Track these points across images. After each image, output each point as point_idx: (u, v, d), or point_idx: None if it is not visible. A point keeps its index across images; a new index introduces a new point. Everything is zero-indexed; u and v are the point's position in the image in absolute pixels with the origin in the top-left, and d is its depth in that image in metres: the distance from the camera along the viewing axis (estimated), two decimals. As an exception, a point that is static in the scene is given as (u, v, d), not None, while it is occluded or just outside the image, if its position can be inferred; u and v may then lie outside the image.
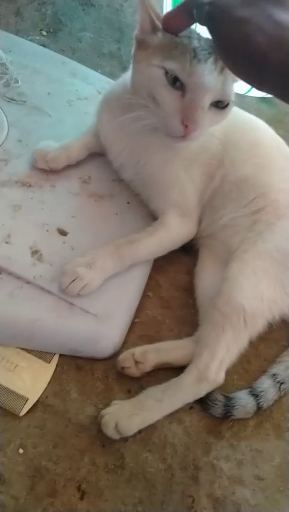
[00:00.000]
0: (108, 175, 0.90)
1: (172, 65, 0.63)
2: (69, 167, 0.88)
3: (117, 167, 0.87)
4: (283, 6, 0.35)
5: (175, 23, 0.60)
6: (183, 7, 0.52)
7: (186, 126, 0.65)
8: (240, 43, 0.37)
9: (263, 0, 0.36)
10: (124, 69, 1.28)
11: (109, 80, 1.11)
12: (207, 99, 0.65)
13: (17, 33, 1.24)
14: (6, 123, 0.89)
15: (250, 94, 1.22)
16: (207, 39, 0.66)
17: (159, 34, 0.66)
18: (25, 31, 1.27)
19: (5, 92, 0.94)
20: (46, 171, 0.86)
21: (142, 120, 0.69)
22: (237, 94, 0.71)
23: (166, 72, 0.64)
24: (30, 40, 1.19)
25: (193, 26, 0.70)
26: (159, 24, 0.66)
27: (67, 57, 1.15)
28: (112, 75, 1.24)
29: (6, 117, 0.90)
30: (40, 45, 1.20)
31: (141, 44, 0.69)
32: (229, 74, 0.65)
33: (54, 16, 1.34)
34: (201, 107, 0.64)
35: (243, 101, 1.19)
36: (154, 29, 0.66)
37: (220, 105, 0.67)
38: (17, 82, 0.96)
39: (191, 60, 0.62)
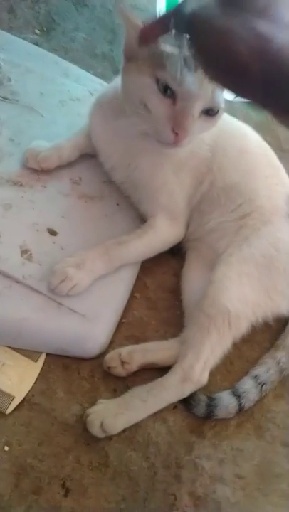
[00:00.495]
0: (99, 176, 0.91)
1: (163, 74, 0.65)
2: (60, 167, 0.89)
3: (107, 169, 0.88)
4: (265, 18, 0.36)
5: (151, 36, 0.59)
6: (160, 21, 0.53)
7: (177, 134, 0.66)
8: (222, 52, 0.38)
9: (245, 11, 0.37)
10: (116, 71, 1.29)
11: (101, 81, 1.12)
12: (197, 107, 0.66)
13: (10, 30, 1.24)
14: (-2, 121, 0.90)
15: (238, 99, 1.24)
16: None
17: (151, 48, 0.67)
18: (18, 29, 1.27)
19: (-3, 91, 0.94)
20: (37, 170, 0.86)
21: (134, 126, 0.71)
22: (225, 100, 0.73)
23: (158, 81, 0.66)
24: (23, 39, 1.19)
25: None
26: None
27: (60, 57, 1.16)
28: (104, 76, 1.25)
29: (-1, 116, 0.91)
30: (33, 43, 1.20)
31: (129, 57, 0.70)
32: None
33: (47, 14, 1.34)
34: (192, 115, 0.66)
35: (231, 107, 1.20)
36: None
37: (210, 112, 0.69)
38: (10, 80, 0.96)
39: (181, 69, 0.64)
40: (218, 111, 0.70)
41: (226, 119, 0.82)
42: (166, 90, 0.66)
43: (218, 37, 0.38)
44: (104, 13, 1.42)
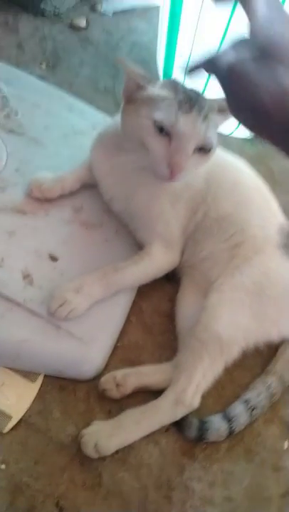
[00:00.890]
0: (99, 205, 0.95)
1: (159, 116, 0.71)
2: (62, 196, 0.93)
3: (107, 199, 0.93)
4: None
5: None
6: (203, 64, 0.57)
7: (172, 170, 0.72)
8: (250, 102, 0.43)
9: (277, 62, 0.41)
10: (118, 105, 1.35)
11: (103, 115, 1.18)
12: (191, 146, 0.72)
13: (18, 65, 1.31)
14: (6, 153, 0.95)
15: (233, 135, 1.30)
16: (192, 90, 0.74)
17: (148, 90, 0.73)
18: (25, 64, 1.34)
19: (5, 124, 1.00)
20: (41, 199, 0.91)
21: (133, 161, 0.76)
22: (221, 135, 0.78)
23: (154, 122, 0.71)
24: (30, 73, 1.25)
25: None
26: (143, 84, 0.73)
27: (65, 91, 1.22)
28: (107, 110, 1.31)
29: (6, 147, 0.96)
30: (40, 78, 1.27)
31: (129, 99, 0.76)
32: (211, 122, 0.73)
33: (54, 50, 1.42)
34: (186, 153, 0.72)
35: (227, 141, 1.27)
36: (140, 88, 0.74)
37: (203, 150, 0.74)
38: (17, 114, 1.02)
39: (176, 112, 0.70)
40: (210, 148, 0.75)
41: (219, 153, 0.87)
42: (162, 130, 0.71)
43: (248, 88, 0.43)
44: (107, 50, 1.49)
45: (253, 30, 0.43)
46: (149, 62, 1.47)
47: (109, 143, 0.87)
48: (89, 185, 0.97)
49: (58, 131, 1.05)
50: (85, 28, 1.52)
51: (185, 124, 0.70)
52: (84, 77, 1.39)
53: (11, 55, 1.35)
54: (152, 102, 0.72)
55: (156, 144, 0.72)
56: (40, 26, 1.46)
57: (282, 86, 0.41)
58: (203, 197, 0.89)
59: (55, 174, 0.93)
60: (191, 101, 0.71)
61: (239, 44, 0.44)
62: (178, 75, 1.28)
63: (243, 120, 0.46)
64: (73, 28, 1.50)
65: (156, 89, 0.72)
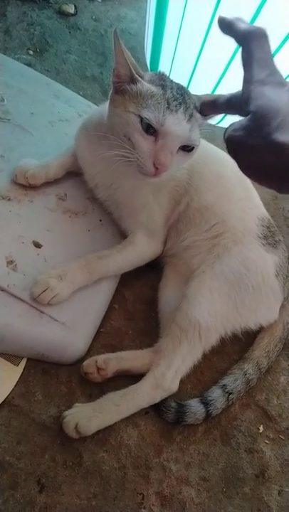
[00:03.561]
0: (83, 193, 0.96)
1: (147, 115, 0.71)
2: (47, 184, 0.94)
3: (91, 187, 0.94)
4: (282, 130, 0.45)
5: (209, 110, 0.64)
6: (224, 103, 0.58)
7: (157, 168, 0.73)
8: (254, 163, 0.48)
9: (267, 123, 0.45)
10: (105, 92, 1.37)
11: (89, 103, 1.19)
12: (176, 145, 0.73)
13: (5, 50, 1.31)
14: (-10, 139, 0.95)
15: (220, 125, 1.31)
16: (179, 86, 0.75)
17: (138, 84, 0.73)
18: (12, 49, 1.34)
19: (-9, 110, 1.00)
20: (25, 186, 0.92)
21: (117, 153, 0.77)
22: (208, 124, 0.80)
23: (141, 120, 0.72)
24: (17, 59, 1.26)
25: (166, 71, 0.79)
26: (137, 76, 0.73)
27: (52, 78, 1.22)
28: (93, 97, 1.32)
29: (-10, 134, 0.96)
30: (26, 64, 1.27)
31: (118, 89, 0.76)
32: (195, 122, 0.74)
33: (41, 36, 1.41)
34: (171, 152, 0.73)
35: (212, 131, 1.28)
36: (132, 80, 0.73)
37: (187, 149, 0.76)
38: (3, 100, 1.02)
39: (164, 111, 0.71)
40: (194, 147, 0.77)
41: (203, 144, 0.88)
42: (149, 128, 0.72)
43: (248, 153, 0.48)
44: (95, 37, 1.49)
45: (245, 91, 0.48)
46: (136, 50, 1.47)
47: (94, 131, 0.87)
48: (73, 173, 0.98)
49: (43, 118, 1.06)
50: (74, 15, 1.51)
51: (172, 123, 0.71)
52: (71, 64, 1.39)
53: (-2, 40, 1.34)
54: (141, 97, 0.72)
55: (142, 142, 0.73)
56: (28, 11, 1.45)
57: (275, 141, 0.44)
58: (186, 188, 0.91)
59: (40, 161, 0.94)
60: (178, 99, 0.72)
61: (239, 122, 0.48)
62: (164, 63, 1.29)
63: (254, 178, 0.51)
64: (62, 14, 1.50)
65: (145, 84, 0.73)
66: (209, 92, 1.24)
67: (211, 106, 0.58)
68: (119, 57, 0.72)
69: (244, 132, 0.47)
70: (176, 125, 0.71)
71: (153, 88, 0.72)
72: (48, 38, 1.42)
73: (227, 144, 0.50)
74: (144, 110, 0.71)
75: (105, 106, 0.83)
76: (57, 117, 1.07)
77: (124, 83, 0.74)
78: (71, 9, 1.51)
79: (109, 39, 1.50)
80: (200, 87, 1.22)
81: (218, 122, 1.32)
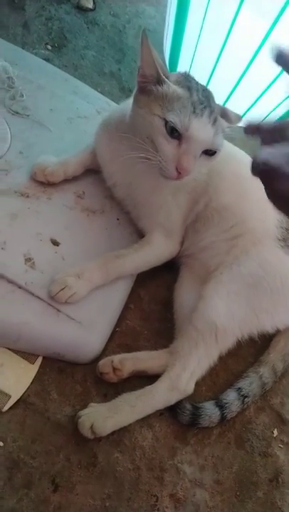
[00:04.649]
0: (101, 192, 0.96)
1: (172, 118, 0.70)
2: (65, 181, 0.94)
3: (110, 185, 0.93)
4: None
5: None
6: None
7: (180, 173, 0.73)
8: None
9: None
10: (123, 89, 1.36)
11: (108, 100, 1.18)
12: (200, 150, 0.73)
13: (23, 45, 1.30)
14: (10, 135, 0.95)
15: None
16: (204, 89, 0.74)
17: (164, 86, 0.72)
18: (31, 44, 1.33)
19: (10, 105, 0.99)
20: (44, 183, 0.91)
21: (138, 154, 0.76)
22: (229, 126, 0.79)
23: (166, 123, 0.71)
24: (35, 54, 1.24)
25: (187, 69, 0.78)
26: (164, 78, 0.72)
27: (70, 74, 1.21)
28: (111, 95, 1.31)
29: (10, 129, 0.95)
30: (44, 59, 1.26)
31: (143, 89, 0.75)
32: (219, 126, 0.73)
33: (60, 31, 1.40)
34: (194, 157, 0.72)
35: (230, 130, 1.27)
36: (159, 81, 0.72)
37: (209, 153, 0.75)
38: (22, 96, 1.02)
39: (190, 115, 0.70)
40: (216, 152, 0.76)
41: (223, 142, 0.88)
42: (173, 132, 0.71)
43: (286, 181, 0.43)
44: (114, 33, 1.48)
45: None
46: (154, 47, 1.45)
47: (114, 130, 0.86)
48: (92, 171, 0.97)
49: (62, 114, 1.05)
50: (92, 10, 1.50)
51: (197, 128, 0.70)
52: (89, 60, 1.38)
53: (17, 34, 1.34)
54: (166, 100, 0.71)
55: (166, 146, 0.72)
56: (47, 6, 1.44)
57: None
58: (205, 188, 0.90)
59: (58, 158, 0.93)
60: (204, 103, 0.72)
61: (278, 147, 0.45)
62: (183, 62, 1.28)
63: (285, 210, 0.48)
64: (80, 9, 1.49)
65: (171, 86, 0.72)
66: (227, 93, 1.23)
67: (254, 130, 0.55)
68: (146, 57, 0.71)
69: (285, 160, 0.44)
70: (201, 129, 0.71)
71: (179, 90, 0.71)
72: (66, 33, 1.41)
73: (258, 167, 0.47)
74: (170, 113, 0.70)
75: (127, 104, 0.83)
76: (75, 114, 1.07)
77: (150, 83, 0.73)
78: (90, 4, 1.50)
79: (127, 35, 1.49)
80: (218, 89, 1.20)
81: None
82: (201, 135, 0.72)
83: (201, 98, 0.72)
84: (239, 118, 0.81)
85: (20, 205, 0.87)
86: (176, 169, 0.73)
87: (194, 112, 0.71)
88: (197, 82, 0.76)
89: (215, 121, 0.73)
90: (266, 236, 0.90)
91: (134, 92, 0.77)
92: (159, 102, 0.72)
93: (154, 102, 0.73)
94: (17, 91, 1.02)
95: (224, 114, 0.78)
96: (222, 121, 0.76)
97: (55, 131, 1.01)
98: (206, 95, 0.74)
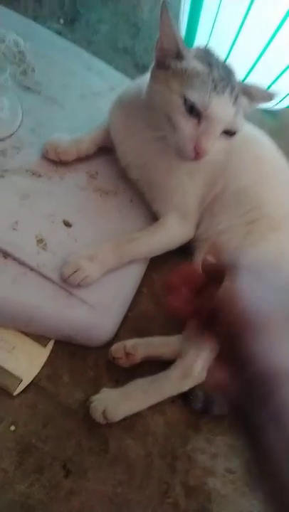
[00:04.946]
0: (115, 172, 0.93)
1: (192, 96, 0.67)
2: (78, 160, 0.91)
3: (124, 165, 0.90)
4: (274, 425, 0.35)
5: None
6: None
7: (198, 153, 0.69)
8: None
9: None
10: (137, 66, 1.31)
11: (122, 76, 1.13)
12: (219, 129, 0.70)
13: (35, 18, 1.25)
14: (21, 111, 0.91)
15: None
16: (225, 65, 0.70)
17: (183, 61, 0.68)
18: (42, 18, 1.28)
19: (22, 80, 0.96)
20: (56, 162, 0.88)
21: (154, 133, 0.73)
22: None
23: (185, 100, 0.67)
24: (47, 28, 1.19)
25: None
26: (184, 52, 0.68)
27: (83, 49, 1.17)
28: (125, 71, 1.26)
29: (21, 105, 0.92)
30: (57, 33, 1.21)
31: (161, 63, 0.71)
32: (240, 105, 0.70)
33: (72, 5, 1.35)
34: (213, 136, 0.69)
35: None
36: (179, 56, 0.69)
37: (229, 133, 0.72)
38: (33, 71, 0.98)
39: (210, 92, 0.66)
40: (236, 132, 0.73)
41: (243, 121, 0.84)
42: (192, 110, 0.68)
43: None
44: (128, 8, 1.42)
45: None
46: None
47: (130, 107, 0.83)
48: (105, 150, 0.94)
49: (75, 90, 1.01)
50: (106, -18, 1.44)
51: (217, 106, 0.67)
52: (103, 35, 1.33)
53: (28, 7, 1.29)
54: (186, 76, 0.68)
55: (185, 124, 0.69)
56: (59, -22, 1.39)
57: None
58: (223, 170, 0.86)
59: (71, 136, 0.90)
60: (225, 79, 0.68)
61: None
62: (201, 37, 1.23)
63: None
64: (93, -19, 1.43)
65: (191, 61, 0.68)
66: (247, 69, 1.18)
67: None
68: (166, 30, 0.67)
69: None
70: (222, 108, 0.67)
71: (199, 66, 0.68)
72: (79, 7, 1.36)
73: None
74: (189, 90, 0.67)
75: (143, 80, 0.79)
76: (89, 90, 1.03)
77: (168, 58, 0.69)
78: (103, -24, 1.44)
79: (142, 10, 1.43)
80: (238, 64, 1.16)
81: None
82: (222, 114, 0.68)
83: (222, 75, 0.69)
84: (267, 95, 0.77)
85: (32, 185, 0.85)
86: (194, 149, 0.70)
87: (215, 89, 0.67)
88: (218, 58, 0.73)
89: (236, 99, 0.70)
90: (284, 221, 0.87)
91: (152, 67, 0.73)
92: (177, 78, 0.69)
93: (172, 77, 0.69)
94: (28, 65, 0.98)
95: (247, 91, 0.74)
96: (243, 100, 0.73)
97: (67, 107, 0.97)
98: (227, 72, 0.71)
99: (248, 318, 0.38)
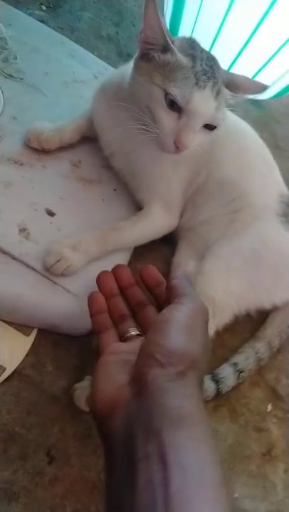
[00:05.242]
0: (98, 161, 0.92)
1: (173, 90, 0.67)
2: (61, 149, 0.90)
3: (107, 154, 0.90)
4: None
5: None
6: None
7: (178, 147, 0.70)
8: None
9: None
10: (121, 54, 1.31)
11: (106, 64, 1.13)
12: (200, 124, 0.70)
13: (16, 5, 1.23)
14: (2, 99, 0.90)
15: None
16: (208, 56, 0.70)
17: (167, 54, 0.68)
18: (24, 4, 1.26)
19: (3, 68, 0.94)
20: (39, 150, 0.88)
21: (135, 123, 0.73)
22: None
23: (166, 94, 0.67)
24: (29, 15, 1.18)
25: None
26: (172, 46, 0.67)
27: (65, 36, 1.16)
28: (108, 59, 1.26)
29: (3, 93, 0.91)
30: (39, 20, 1.19)
31: (144, 55, 0.70)
32: (222, 98, 0.71)
33: (55, -10, 1.33)
34: (193, 131, 0.70)
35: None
36: (165, 49, 0.68)
37: (210, 127, 0.72)
38: (15, 58, 0.97)
39: (191, 87, 0.66)
40: (217, 126, 0.73)
41: (226, 114, 0.84)
42: (173, 104, 0.68)
43: None
44: (112, -6, 1.41)
45: None
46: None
47: (112, 96, 0.82)
48: (88, 139, 0.93)
49: (58, 78, 1.00)
50: None
51: (199, 101, 0.67)
52: (86, 22, 1.32)
53: (9, -8, 1.27)
54: (168, 68, 0.67)
55: (165, 118, 0.69)
56: None
57: None
58: (207, 159, 0.87)
59: (54, 124, 0.89)
60: (208, 73, 0.68)
61: None
62: (185, 26, 1.22)
63: None
64: None
65: (176, 54, 0.67)
66: (232, 57, 1.18)
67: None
68: (151, 22, 0.66)
69: None
70: (203, 103, 0.68)
71: (182, 59, 0.67)
72: (61, -7, 1.34)
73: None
74: (171, 84, 0.67)
75: (126, 68, 0.78)
76: (72, 78, 1.02)
77: (152, 51, 0.69)
78: None
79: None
80: (223, 52, 1.16)
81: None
82: (203, 109, 0.69)
83: (205, 68, 0.68)
84: (259, 86, 0.77)
85: (14, 173, 0.84)
86: (174, 143, 0.71)
87: (197, 84, 0.67)
88: (202, 49, 0.72)
89: (218, 93, 0.70)
90: (267, 211, 0.88)
91: (135, 56, 0.73)
92: (160, 70, 0.68)
93: (154, 70, 0.69)
94: (10, 53, 0.97)
95: (233, 82, 0.73)
96: (225, 92, 0.73)
97: (50, 95, 0.96)
98: (211, 64, 0.70)
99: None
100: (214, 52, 0.75)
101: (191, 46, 0.71)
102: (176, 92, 0.67)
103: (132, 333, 0.66)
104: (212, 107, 0.69)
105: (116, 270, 0.74)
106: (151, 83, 0.69)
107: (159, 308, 0.68)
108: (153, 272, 0.72)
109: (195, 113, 0.68)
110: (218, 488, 0.39)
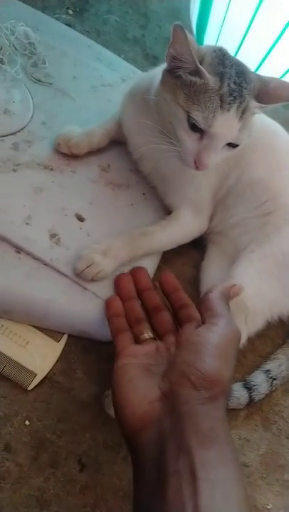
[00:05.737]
0: (127, 165, 0.92)
1: (196, 114, 0.66)
2: (90, 154, 0.90)
3: (136, 159, 0.89)
4: None
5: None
6: None
7: (198, 166, 0.70)
8: None
9: None
10: (147, 56, 1.30)
11: (133, 67, 1.12)
12: (221, 145, 0.69)
13: (43, 9, 1.24)
14: (32, 104, 0.90)
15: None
16: (238, 70, 0.68)
17: (196, 77, 0.66)
18: (51, 8, 1.27)
19: (32, 73, 0.95)
20: (68, 155, 0.87)
21: (160, 144, 0.74)
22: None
23: (189, 116, 0.67)
24: (56, 19, 1.18)
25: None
26: (204, 72, 0.65)
27: (92, 40, 1.16)
28: (135, 62, 1.25)
29: (32, 98, 0.91)
30: (66, 24, 1.20)
31: (172, 71, 0.69)
32: (248, 116, 0.69)
33: (81, -6, 1.34)
34: (215, 152, 0.69)
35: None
36: (195, 73, 0.66)
37: (232, 145, 0.71)
38: (44, 63, 0.97)
39: (215, 110, 0.65)
40: (239, 144, 0.72)
41: (256, 115, 0.82)
42: (195, 127, 0.67)
43: None
44: (137, -4, 1.40)
45: None
46: (180, 11, 1.38)
47: (141, 103, 0.81)
48: (117, 143, 0.93)
49: (86, 82, 1.00)
50: (115, -29, 1.42)
51: (221, 125, 0.66)
52: (112, 25, 1.32)
53: (37, -3, 1.28)
54: (194, 89, 0.66)
55: (186, 138, 0.69)
56: None
57: None
58: (237, 161, 0.85)
59: (83, 129, 0.89)
60: (234, 92, 0.66)
61: None
62: (212, 28, 1.21)
63: None
64: None
65: (205, 76, 0.65)
66: (258, 62, 1.16)
67: None
68: (182, 49, 0.65)
69: None
70: (226, 126, 0.67)
71: (210, 80, 0.66)
72: (87, -3, 1.34)
73: None
74: (194, 108, 0.66)
75: (154, 73, 0.77)
76: (100, 82, 1.02)
77: (180, 69, 0.68)
78: None
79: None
80: (249, 57, 1.13)
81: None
82: (225, 132, 0.68)
83: (232, 88, 0.66)
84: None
85: (44, 179, 0.84)
86: (194, 162, 0.71)
87: (221, 106, 0.66)
88: (232, 63, 0.69)
89: (244, 112, 0.68)
90: None
91: (163, 69, 0.72)
92: (185, 90, 0.67)
93: (180, 88, 0.68)
94: (39, 57, 0.97)
95: (262, 90, 0.71)
96: (254, 106, 0.70)
97: (78, 100, 0.96)
98: (240, 81, 0.68)
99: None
100: (242, 52, 0.73)
101: (220, 62, 0.69)
102: (198, 116, 0.66)
103: (147, 336, 0.67)
104: (235, 128, 0.68)
105: (135, 273, 0.75)
106: (175, 102, 0.68)
107: (174, 314, 0.70)
108: (171, 278, 0.74)
109: (217, 135, 0.68)
110: (242, 503, 0.44)
